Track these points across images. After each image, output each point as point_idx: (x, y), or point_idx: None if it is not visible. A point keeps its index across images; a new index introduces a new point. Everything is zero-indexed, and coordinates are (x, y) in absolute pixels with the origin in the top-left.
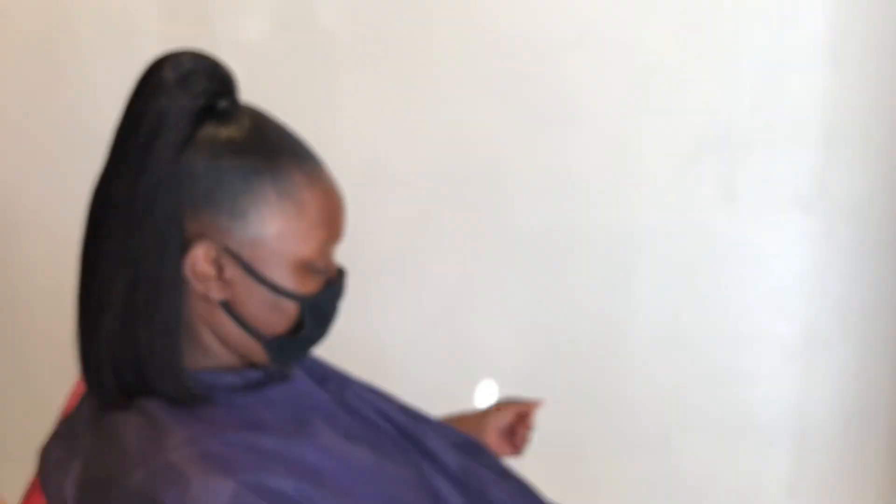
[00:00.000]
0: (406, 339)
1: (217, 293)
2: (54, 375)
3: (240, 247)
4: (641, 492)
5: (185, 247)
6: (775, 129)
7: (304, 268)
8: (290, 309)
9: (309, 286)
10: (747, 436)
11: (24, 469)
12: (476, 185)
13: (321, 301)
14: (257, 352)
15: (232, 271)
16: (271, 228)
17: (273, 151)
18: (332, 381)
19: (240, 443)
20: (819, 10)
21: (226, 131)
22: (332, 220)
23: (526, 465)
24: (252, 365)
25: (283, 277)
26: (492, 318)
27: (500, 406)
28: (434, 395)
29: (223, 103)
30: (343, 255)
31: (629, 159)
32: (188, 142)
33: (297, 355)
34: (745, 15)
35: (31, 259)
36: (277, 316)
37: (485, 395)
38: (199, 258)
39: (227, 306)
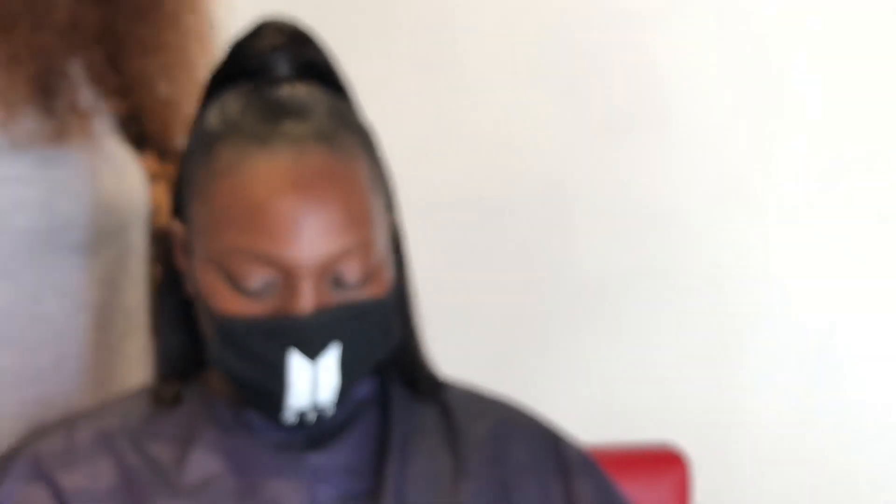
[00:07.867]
0: None
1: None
2: None
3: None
4: None
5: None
6: None
7: (219, 271)
8: (207, 318)
9: (227, 302)
10: None
11: None
12: (529, 213)
13: (233, 327)
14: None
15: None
16: (195, 208)
17: (229, 124)
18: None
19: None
20: None
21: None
22: (251, 224)
23: None
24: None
25: (198, 273)
26: (554, 390)
27: None
28: None
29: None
30: None
31: (747, 178)
32: None
33: (249, 391)
34: None
35: None
36: (206, 326)
37: None
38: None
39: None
